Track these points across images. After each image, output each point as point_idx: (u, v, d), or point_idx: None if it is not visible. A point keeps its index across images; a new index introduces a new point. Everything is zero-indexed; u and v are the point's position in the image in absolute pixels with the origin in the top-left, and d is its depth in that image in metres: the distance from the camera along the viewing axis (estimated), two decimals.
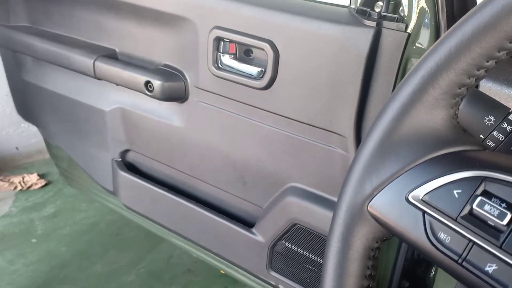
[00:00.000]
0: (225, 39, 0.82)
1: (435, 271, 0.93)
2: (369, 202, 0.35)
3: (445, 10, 0.65)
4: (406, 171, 0.34)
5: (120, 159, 1.16)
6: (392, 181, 0.35)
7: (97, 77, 1.02)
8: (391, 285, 0.89)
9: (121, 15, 0.99)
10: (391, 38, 0.67)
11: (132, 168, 1.17)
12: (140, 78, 0.94)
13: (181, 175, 1.06)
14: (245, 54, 0.84)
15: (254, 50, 0.83)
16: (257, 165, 0.90)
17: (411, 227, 0.33)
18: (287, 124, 0.82)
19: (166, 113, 1.00)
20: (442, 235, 0.32)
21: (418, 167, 0.34)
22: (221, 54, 0.84)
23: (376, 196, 0.35)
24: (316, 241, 0.88)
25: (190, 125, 0.97)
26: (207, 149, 0.96)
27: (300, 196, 0.86)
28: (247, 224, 0.99)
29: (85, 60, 1.02)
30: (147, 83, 0.93)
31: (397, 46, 0.67)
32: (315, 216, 0.85)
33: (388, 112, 0.35)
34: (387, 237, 0.36)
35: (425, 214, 0.33)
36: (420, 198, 0.33)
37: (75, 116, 1.19)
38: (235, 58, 0.84)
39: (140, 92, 0.96)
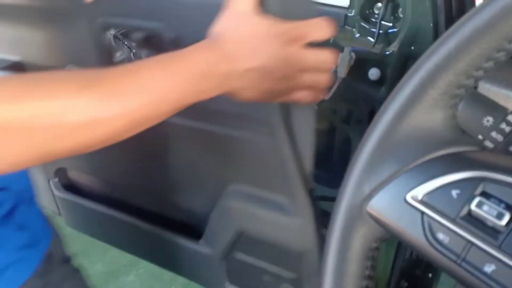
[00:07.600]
0: (123, 31, 0.70)
1: (434, 272, 0.93)
2: (368, 202, 0.35)
3: (443, 11, 0.65)
4: (404, 172, 0.34)
5: (56, 179, 1.08)
6: (390, 182, 0.35)
7: None
8: (390, 285, 0.89)
9: (17, 20, 0.86)
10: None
11: (72, 187, 1.08)
12: None
13: (118, 186, 0.98)
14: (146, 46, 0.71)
15: (156, 39, 0.70)
16: (191, 170, 0.82)
17: (410, 228, 0.33)
18: (210, 118, 0.71)
19: None
20: (440, 236, 0.32)
21: (417, 167, 0.34)
22: (119, 49, 0.72)
23: (375, 197, 0.35)
24: (266, 248, 0.80)
25: None
26: (135, 157, 0.87)
27: (242, 199, 0.77)
28: (198, 234, 0.88)
29: None
30: None
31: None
32: (260, 221, 0.77)
33: (387, 112, 0.35)
34: (386, 237, 0.37)
35: (424, 215, 0.33)
36: (419, 198, 0.33)
37: None
38: (137, 52, 0.71)
39: None
